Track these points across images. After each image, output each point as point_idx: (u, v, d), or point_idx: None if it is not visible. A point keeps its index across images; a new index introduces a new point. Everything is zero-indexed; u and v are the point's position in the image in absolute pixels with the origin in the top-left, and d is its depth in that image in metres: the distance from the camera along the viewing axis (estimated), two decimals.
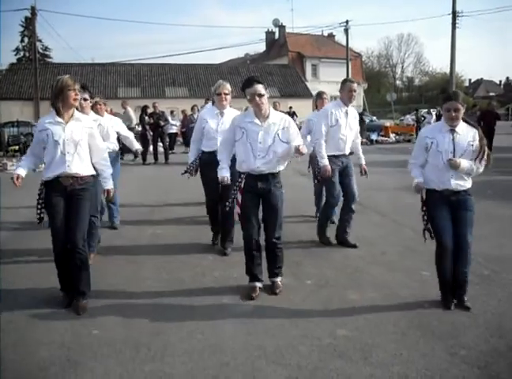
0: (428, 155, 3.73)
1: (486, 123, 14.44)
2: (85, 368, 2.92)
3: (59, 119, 3.65)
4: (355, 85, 5.17)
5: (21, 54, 48.69)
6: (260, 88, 3.76)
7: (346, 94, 5.14)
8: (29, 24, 36.51)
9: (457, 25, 29.32)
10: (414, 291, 4.06)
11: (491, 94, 60.08)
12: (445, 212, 3.68)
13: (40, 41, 44.17)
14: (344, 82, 5.22)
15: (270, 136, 3.83)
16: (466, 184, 3.70)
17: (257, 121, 3.83)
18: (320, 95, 6.63)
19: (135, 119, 14.62)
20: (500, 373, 2.81)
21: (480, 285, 4.13)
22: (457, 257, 3.65)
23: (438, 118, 23.93)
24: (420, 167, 3.82)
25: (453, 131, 3.62)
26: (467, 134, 3.64)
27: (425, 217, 3.79)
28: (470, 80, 69.97)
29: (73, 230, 3.67)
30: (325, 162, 5.11)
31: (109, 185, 4.00)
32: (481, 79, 70.86)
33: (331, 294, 4.05)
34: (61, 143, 3.62)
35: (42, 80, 30.89)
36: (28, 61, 39.27)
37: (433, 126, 3.83)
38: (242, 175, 3.94)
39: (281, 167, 4.01)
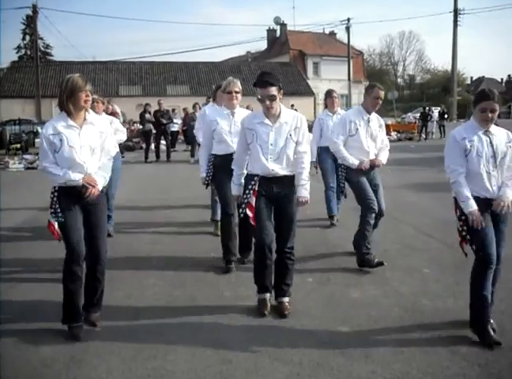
0: (466, 160, 3.27)
1: None
2: (89, 365, 2.95)
3: (73, 123, 3.37)
4: (382, 93, 4.66)
5: (23, 52, 48.75)
6: (273, 90, 3.46)
7: (371, 100, 4.65)
8: (31, 22, 36.56)
9: (458, 23, 29.35)
10: (415, 289, 4.07)
11: None
12: (489, 221, 3.25)
13: (42, 39, 44.34)
14: (371, 86, 4.73)
15: (282, 138, 3.55)
16: None
17: (267, 121, 3.55)
18: (330, 93, 6.40)
19: (121, 117, 14.74)
20: (501, 370, 2.83)
21: None
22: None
23: (442, 116, 23.93)
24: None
25: (488, 133, 3.27)
26: (501, 135, 3.31)
27: (464, 228, 3.32)
28: (472, 77, 69.82)
29: (96, 241, 3.46)
30: (356, 161, 4.62)
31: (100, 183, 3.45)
32: (483, 77, 70.61)
33: (333, 291, 4.07)
34: (77, 149, 3.35)
35: (43, 78, 31.02)
36: (29, 59, 39.33)
37: (465, 127, 3.39)
38: (255, 178, 3.63)
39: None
